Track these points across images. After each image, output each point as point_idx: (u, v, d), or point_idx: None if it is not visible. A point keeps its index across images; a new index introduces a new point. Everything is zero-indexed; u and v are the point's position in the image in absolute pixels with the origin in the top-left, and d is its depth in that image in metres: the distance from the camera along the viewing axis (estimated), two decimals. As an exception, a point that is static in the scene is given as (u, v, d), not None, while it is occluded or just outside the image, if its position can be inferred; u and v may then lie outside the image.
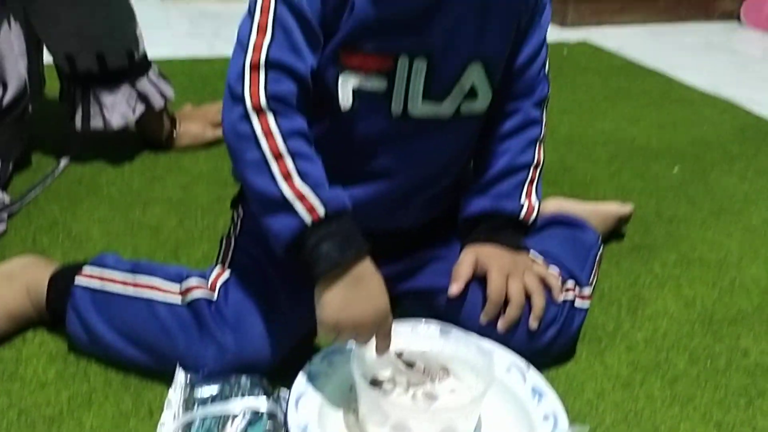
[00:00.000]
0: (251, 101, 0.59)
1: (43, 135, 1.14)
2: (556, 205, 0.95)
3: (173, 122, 1.19)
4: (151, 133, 1.17)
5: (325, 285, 0.59)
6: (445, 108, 0.68)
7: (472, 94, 0.68)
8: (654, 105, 1.61)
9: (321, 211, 0.58)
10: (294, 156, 0.59)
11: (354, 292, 0.59)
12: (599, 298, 0.88)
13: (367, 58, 0.63)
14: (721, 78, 1.83)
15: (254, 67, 0.60)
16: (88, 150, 1.12)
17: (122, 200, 1.03)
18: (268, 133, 0.59)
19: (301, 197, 0.58)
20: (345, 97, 0.65)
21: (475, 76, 0.67)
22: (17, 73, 0.96)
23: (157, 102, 1.11)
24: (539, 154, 0.76)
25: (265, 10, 0.61)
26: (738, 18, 2.46)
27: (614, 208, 1.00)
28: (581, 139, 1.39)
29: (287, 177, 0.59)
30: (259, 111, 0.59)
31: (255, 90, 0.59)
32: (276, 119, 0.59)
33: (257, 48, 0.60)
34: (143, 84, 1.08)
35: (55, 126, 1.16)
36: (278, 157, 0.59)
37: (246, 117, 0.59)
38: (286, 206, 0.58)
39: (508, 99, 0.74)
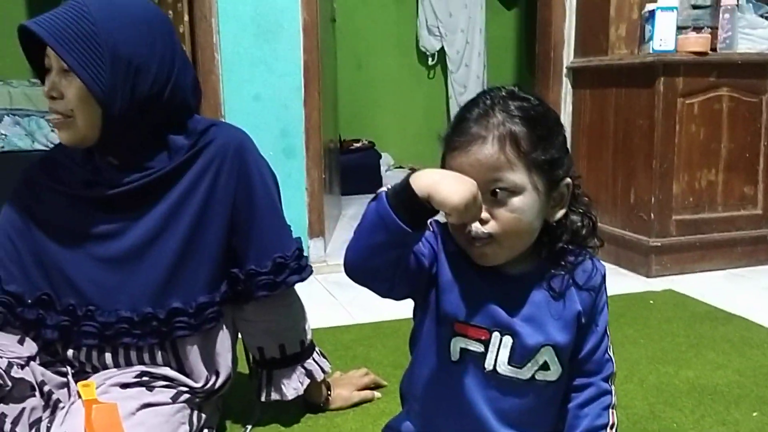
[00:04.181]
0: None
1: (233, 404, 1.50)
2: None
3: (328, 387, 1.52)
4: (312, 398, 1.50)
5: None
6: (524, 373, 0.96)
7: (545, 366, 0.96)
8: (735, 351, 1.80)
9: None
10: None
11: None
12: None
13: (471, 328, 0.94)
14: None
15: None
16: (265, 413, 1.46)
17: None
18: None
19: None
20: (455, 352, 0.95)
21: (547, 356, 0.96)
22: (226, 364, 1.35)
23: (319, 376, 1.45)
24: (612, 417, 1.01)
25: None
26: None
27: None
28: (668, 387, 1.60)
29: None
30: None
31: None
32: None
33: None
34: (309, 363, 1.44)
35: (240, 396, 1.51)
36: None
37: None
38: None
39: (583, 376, 1.01)
